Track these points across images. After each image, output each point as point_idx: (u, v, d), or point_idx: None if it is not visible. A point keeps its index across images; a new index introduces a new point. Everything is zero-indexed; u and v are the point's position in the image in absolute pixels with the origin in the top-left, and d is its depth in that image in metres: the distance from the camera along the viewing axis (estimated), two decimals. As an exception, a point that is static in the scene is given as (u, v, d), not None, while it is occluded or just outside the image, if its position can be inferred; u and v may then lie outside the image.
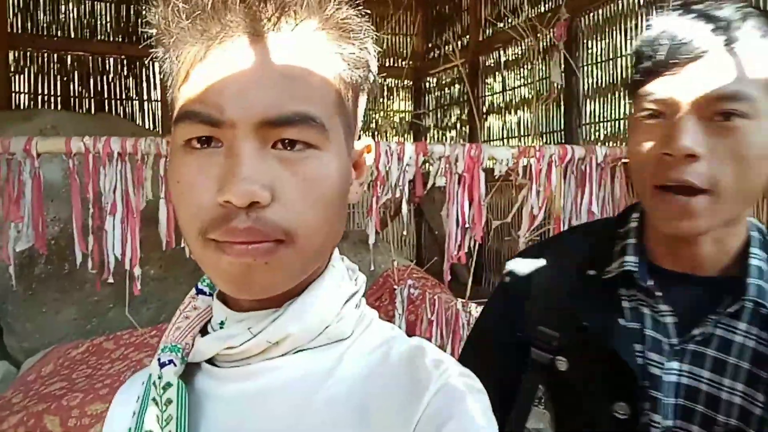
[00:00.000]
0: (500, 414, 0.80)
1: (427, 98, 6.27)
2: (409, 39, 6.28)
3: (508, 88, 4.85)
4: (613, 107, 3.66)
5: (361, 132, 0.56)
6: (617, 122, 3.62)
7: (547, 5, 4.17)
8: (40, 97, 5.16)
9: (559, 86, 3.56)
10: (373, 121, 6.01)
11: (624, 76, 3.53)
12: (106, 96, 5.35)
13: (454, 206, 2.25)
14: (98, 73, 5.32)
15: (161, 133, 5.05)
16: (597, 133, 3.80)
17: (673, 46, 0.67)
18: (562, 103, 3.94)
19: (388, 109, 6.33)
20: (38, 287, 3.36)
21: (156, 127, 5.42)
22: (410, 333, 0.55)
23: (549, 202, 2.34)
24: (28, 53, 5.12)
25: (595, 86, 3.77)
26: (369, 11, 0.50)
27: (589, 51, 3.79)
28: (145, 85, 5.46)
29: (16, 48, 5.03)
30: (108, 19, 5.31)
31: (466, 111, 5.44)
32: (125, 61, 5.38)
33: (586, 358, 0.76)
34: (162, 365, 0.50)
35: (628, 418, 0.71)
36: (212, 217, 0.44)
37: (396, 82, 6.27)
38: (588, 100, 3.82)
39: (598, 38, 3.71)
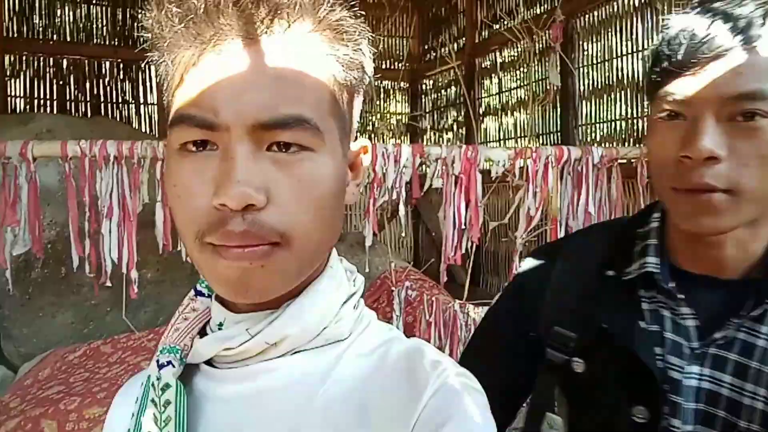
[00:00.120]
0: (501, 413, 0.80)
1: (423, 100, 6.27)
2: (405, 41, 6.29)
3: (504, 90, 4.86)
4: (609, 108, 3.67)
5: (358, 133, 0.56)
6: (613, 123, 3.63)
7: (542, 7, 4.18)
8: (36, 101, 5.15)
9: (556, 87, 3.56)
10: (370, 123, 6.02)
11: (620, 77, 3.54)
12: (102, 100, 5.34)
13: (450, 208, 2.25)
14: (94, 77, 5.31)
15: (157, 136, 5.05)
16: (593, 134, 3.81)
17: (692, 45, 0.65)
18: (558, 104, 3.94)
19: (385, 111, 6.34)
20: (35, 291, 3.35)
21: (152, 130, 5.41)
22: (408, 334, 0.55)
23: (546, 203, 2.34)
24: (24, 57, 5.11)
25: (591, 87, 3.78)
26: (365, 13, 0.50)
27: (585, 52, 3.80)
28: (141, 88, 5.45)
29: (11, 52, 5.02)
30: (104, 23, 5.31)
31: (462, 113, 5.45)
32: (121, 65, 5.38)
33: (604, 360, 0.74)
34: (161, 366, 0.50)
35: (646, 423, 0.70)
36: (208, 220, 0.44)
37: (392, 84, 6.28)
38: (584, 101, 3.82)
39: (594, 39, 3.72)
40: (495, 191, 2.67)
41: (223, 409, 0.49)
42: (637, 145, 2.66)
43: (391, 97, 6.40)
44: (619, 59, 3.52)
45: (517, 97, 4.70)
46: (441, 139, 5.89)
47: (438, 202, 2.36)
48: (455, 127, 5.73)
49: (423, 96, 6.28)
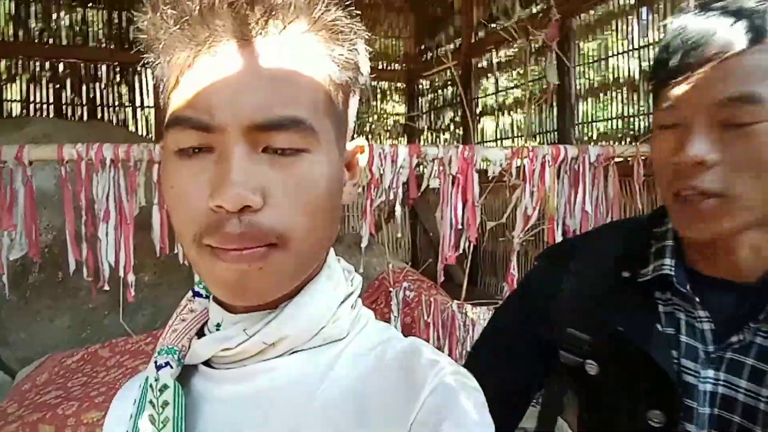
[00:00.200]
0: (506, 413, 0.79)
1: (420, 100, 6.28)
2: (401, 41, 6.30)
3: (501, 90, 4.86)
4: (605, 107, 3.67)
5: (355, 134, 0.56)
6: (610, 122, 3.63)
7: (538, 6, 4.19)
8: (32, 105, 5.15)
9: (553, 86, 3.57)
10: (367, 124, 6.02)
11: (616, 75, 3.55)
12: (98, 103, 5.34)
13: (448, 208, 2.25)
14: (90, 81, 5.31)
15: (154, 139, 5.05)
16: (590, 133, 3.81)
17: (685, 51, 0.66)
18: (555, 103, 3.95)
19: (382, 112, 6.34)
20: (32, 296, 3.34)
21: (149, 133, 5.41)
22: (407, 335, 0.55)
23: (543, 202, 2.35)
24: (20, 61, 5.10)
25: (587, 86, 3.79)
26: (361, 14, 0.50)
27: (582, 51, 3.80)
28: (137, 91, 5.45)
29: (7, 56, 5.02)
30: (100, 27, 5.30)
31: (459, 113, 5.45)
32: (117, 68, 5.37)
33: (620, 363, 0.73)
34: (159, 367, 0.50)
35: (662, 427, 0.69)
36: (206, 222, 0.44)
37: (389, 84, 6.28)
38: (580, 100, 3.83)
39: (590, 38, 3.73)
40: (492, 191, 2.67)
41: (221, 409, 0.49)
42: (634, 144, 2.66)
43: (388, 97, 6.41)
44: (616, 58, 3.53)
45: (514, 97, 4.71)
46: (438, 139, 5.90)
47: (435, 202, 2.36)
48: (452, 127, 5.74)
49: (420, 96, 6.29)
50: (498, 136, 4.94)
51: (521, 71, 4.44)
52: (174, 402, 0.48)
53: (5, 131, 3.53)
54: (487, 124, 5.10)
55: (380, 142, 5.49)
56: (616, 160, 2.42)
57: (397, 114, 6.41)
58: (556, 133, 4.04)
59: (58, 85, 5.22)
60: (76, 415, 2.26)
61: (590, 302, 0.77)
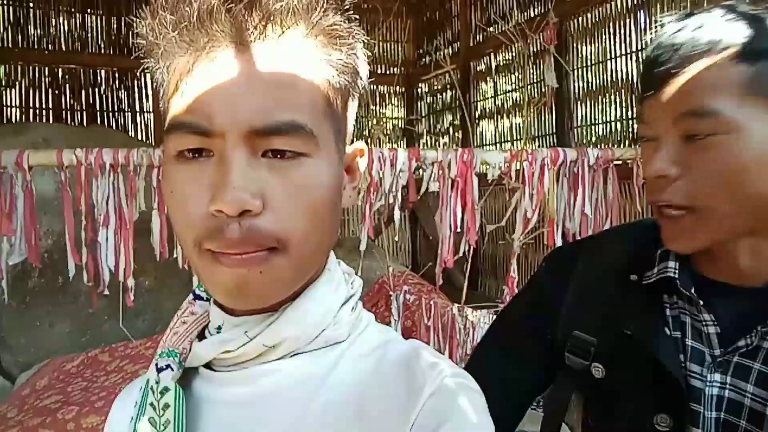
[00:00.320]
0: (507, 412, 0.79)
1: (419, 104, 6.29)
2: (400, 46, 6.31)
3: (499, 93, 4.87)
4: (604, 110, 3.68)
5: (354, 138, 0.56)
6: (609, 124, 3.64)
7: (536, 10, 4.21)
8: (31, 111, 5.15)
9: (553, 89, 3.58)
10: (366, 128, 6.03)
11: (614, 78, 3.56)
12: (98, 108, 5.34)
13: (447, 211, 2.25)
14: (90, 86, 5.32)
15: (154, 144, 5.05)
16: (589, 136, 3.82)
17: (654, 65, 0.68)
18: (553, 106, 3.96)
19: (381, 116, 6.35)
20: (32, 301, 3.34)
21: (149, 138, 5.41)
22: (407, 338, 0.55)
23: (542, 205, 2.35)
24: (19, 67, 5.11)
25: (585, 89, 3.80)
26: (360, 18, 0.51)
27: (580, 54, 3.81)
28: (137, 96, 5.45)
29: (7, 62, 5.02)
30: (99, 32, 5.31)
31: (458, 116, 5.46)
32: (117, 74, 5.38)
33: (626, 366, 0.73)
34: (159, 370, 0.50)
35: (669, 430, 0.69)
36: (206, 227, 0.44)
37: (388, 88, 6.29)
38: (579, 103, 3.84)
39: (588, 41, 3.74)
40: (492, 194, 2.67)
41: (221, 411, 0.49)
42: (633, 147, 2.67)
43: (387, 101, 6.41)
44: (613, 61, 3.54)
45: (513, 100, 4.72)
46: (437, 142, 5.90)
47: (435, 205, 2.36)
48: (451, 130, 5.75)
49: (419, 100, 6.30)
50: (497, 140, 4.95)
51: (520, 75, 4.45)
52: (175, 404, 0.48)
53: (5, 137, 3.54)
54: (486, 127, 5.11)
55: (379, 146, 5.49)
56: (615, 162, 2.42)
57: (396, 118, 6.42)
58: (554, 136, 4.04)
59: (57, 91, 5.22)
60: (76, 419, 2.26)
61: (597, 305, 0.77)
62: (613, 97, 3.58)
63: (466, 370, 0.51)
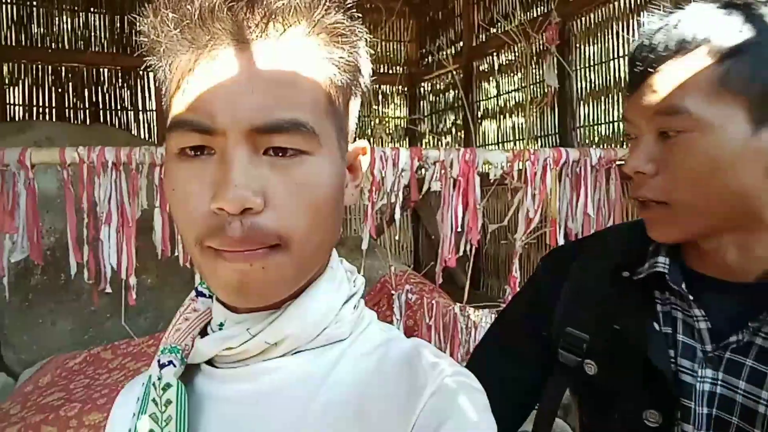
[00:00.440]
0: (508, 412, 0.79)
1: (422, 104, 6.29)
2: (402, 45, 6.31)
3: (502, 93, 4.87)
4: (607, 110, 3.68)
5: (356, 136, 0.57)
6: (611, 125, 3.63)
7: (539, 10, 4.20)
8: (34, 109, 5.16)
9: (553, 89, 3.57)
10: (369, 127, 6.03)
11: (617, 78, 3.55)
12: (101, 107, 5.35)
13: (448, 211, 2.25)
14: (93, 84, 5.32)
15: (156, 142, 5.06)
16: (591, 136, 3.81)
17: (632, 67, 0.70)
18: (556, 106, 3.95)
19: (383, 115, 6.35)
20: (35, 298, 3.35)
21: (151, 137, 5.42)
22: (409, 337, 0.55)
23: (545, 205, 2.35)
24: (23, 65, 5.12)
25: (588, 89, 3.79)
26: (363, 18, 0.51)
27: (582, 54, 3.81)
28: (139, 95, 5.46)
29: (10, 60, 5.03)
30: (102, 31, 5.32)
31: (460, 116, 5.46)
32: (120, 72, 5.39)
33: (617, 362, 0.73)
34: (162, 366, 0.50)
35: (659, 427, 0.69)
36: (208, 224, 0.44)
37: (391, 88, 6.29)
38: (582, 103, 3.83)
39: (591, 42, 3.73)
40: (494, 194, 2.67)
41: (223, 408, 0.50)
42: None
43: (390, 101, 6.42)
44: (616, 61, 3.53)
45: (515, 100, 4.72)
46: (440, 142, 5.90)
47: (437, 205, 2.36)
48: (454, 130, 5.74)
49: (421, 100, 6.30)
50: (499, 139, 4.95)
51: (522, 74, 4.45)
52: (177, 400, 0.48)
53: (8, 135, 3.55)
54: (489, 127, 5.11)
55: (382, 146, 5.49)
56: (618, 162, 2.42)
57: (398, 117, 6.42)
58: (557, 136, 4.04)
59: (60, 89, 5.23)
60: (78, 416, 2.27)
61: (590, 302, 0.77)
62: (615, 98, 3.58)
63: (466, 369, 0.51)
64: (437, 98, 6.02)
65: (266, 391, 0.49)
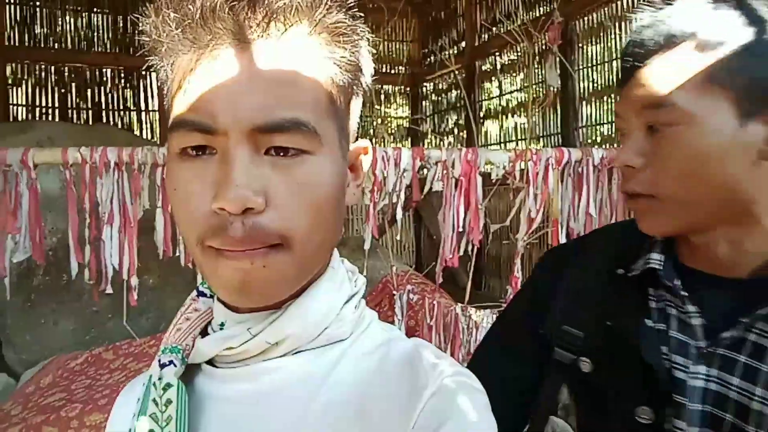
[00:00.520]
0: (510, 412, 0.79)
1: (424, 104, 6.29)
2: (405, 45, 6.32)
3: (504, 93, 4.87)
4: (609, 110, 3.67)
5: (358, 136, 0.56)
6: (613, 125, 3.63)
7: (541, 9, 4.20)
8: (37, 109, 5.18)
9: (555, 89, 3.57)
10: (371, 127, 6.03)
11: (620, 78, 3.55)
12: (103, 107, 5.36)
13: (450, 211, 2.25)
14: (96, 85, 5.34)
15: (159, 142, 5.07)
16: (594, 136, 3.81)
17: (624, 63, 0.71)
18: (558, 106, 3.95)
19: (386, 115, 6.35)
20: (36, 298, 3.35)
21: (154, 137, 5.43)
22: (410, 338, 0.54)
23: (546, 205, 2.34)
24: (26, 65, 5.14)
25: (591, 89, 3.79)
26: (365, 18, 0.50)
27: (585, 54, 3.80)
28: (142, 95, 5.47)
29: (13, 60, 5.05)
30: (105, 31, 5.33)
31: (463, 116, 5.46)
32: (122, 72, 5.40)
33: (611, 359, 0.73)
34: (162, 366, 0.50)
35: (651, 423, 0.68)
36: (209, 224, 0.44)
37: (393, 88, 6.29)
38: (584, 103, 3.83)
39: (594, 41, 3.73)
40: (496, 194, 2.67)
41: (224, 408, 0.49)
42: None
43: (392, 101, 6.42)
44: (619, 60, 3.52)
45: (518, 100, 4.71)
46: (442, 142, 5.90)
47: (439, 205, 2.36)
48: (456, 130, 5.74)
49: (424, 99, 6.30)
50: (502, 139, 4.94)
51: (525, 74, 4.45)
52: (177, 400, 0.48)
53: (11, 135, 3.55)
54: (491, 127, 5.10)
55: (384, 146, 5.50)
56: (620, 162, 2.41)
57: (400, 117, 6.42)
58: (559, 136, 4.04)
59: (63, 89, 5.24)
60: (80, 417, 2.27)
61: (585, 299, 0.77)
62: (618, 97, 3.57)
63: (468, 369, 0.51)
64: (440, 98, 6.03)
65: (267, 391, 0.49)
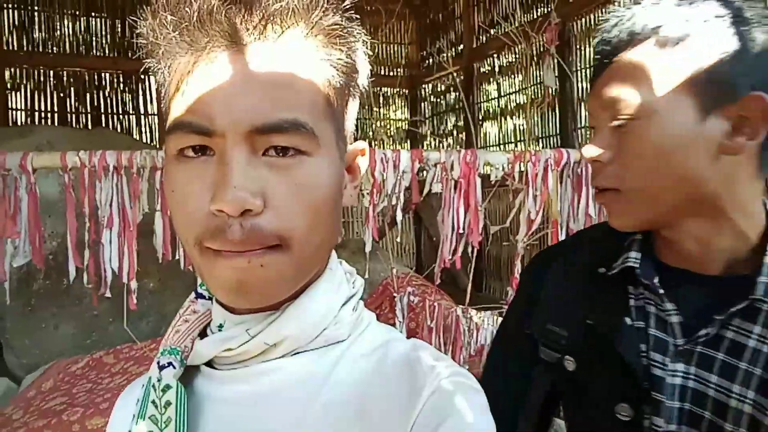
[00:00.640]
0: (507, 410, 0.80)
1: (422, 106, 6.30)
2: (403, 48, 6.33)
3: (503, 94, 4.87)
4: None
5: (357, 138, 0.57)
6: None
7: (539, 11, 4.21)
8: (36, 114, 5.18)
9: (553, 90, 3.57)
10: (370, 129, 6.04)
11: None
12: (102, 111, 5.37)
13: (449, 212, 2.25)
14: (94, 89, 5.35)
15: (158, 146, 5.07)
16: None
17: (594, 59, 0.74)
18: (557, 107, 3.96)
19: (385, 118, 6.35)
20: (37, 303, 3.35)
21: (153, 140, 5.44)
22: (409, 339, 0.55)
23: (546, 206, 2.34)
24: (25, 70, 5.14)
25: (589, 90, 3.79)
26: (363, 20, 0.51)
27: (583, 55, 3.81)
28: (141, 99, 5.48)
29: (12, 65, 5.05)
30: (103, 35, 5.34)
31: (462, 118, 5.47)
32: (121, 76, 5.41)
33: (592, 357, 0.74)
34: (161, 368, 0.50)
35: (630, 420, 0.69)
36: (207, 226, 0.44)
37: (392, 90, 6.30)
38: (582, 104, 3.83)
39: (591, 42, 3.74)
40: (495, 195, 2.67)
41: (223, 410, 0.50)
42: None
43: (391, 103, 6.43)
44: (617, 62, 3.53)
45: (516, 102, 4.72)
46: (441, 144, 5.91)
47: (439, 207, 2.36)
48: (455, 132, 5.75)
49: (422, 102, 6.31)
50: (501, 141, 4.95)
51: (523, 76, 4.45)
52: (176, 402, 0.48)
53: (10, 139, 3.55)
54: (490, 128, 5.11)
55: (383, 148, 5.51)
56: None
57: (399, 120, 6.43)
58: (558, 137, 4.04)
59: (62, 94, 5.25)
60: (81, 421, 2.27)
61: (568, 298, 0.78)
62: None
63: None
64: (438, 100, 6.03)
65: (265, 392, 0.49)
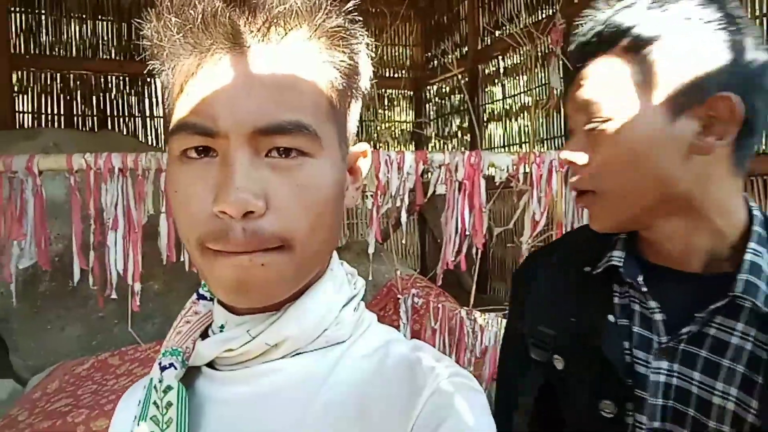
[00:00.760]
0: (525, 413, 0.80)
1: (427, 107, 6.30)
2: (408, 49, 6.33)
3: (507, 96, 4.87)
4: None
5: (360, 140, 0.57)
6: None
7: (543, 12, 4.20)
8: (43, 116, 5.22)
9: (558, 91, 3.57)
10: (375, 131, 6.04)
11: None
12: (108, 114, 5.40)
13: (453, 214, 2.25)
14: (101, 92, 5.38)
15: (164, 148, 5.09)
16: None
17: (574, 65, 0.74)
18: (561, 109, 3.95)
19: (389, 119, 6.36)
20: (43, 304, 3.37)
21: (158, 143, 5.46)
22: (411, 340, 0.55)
23: (550, 207, 2.34)
24: (31, 73, 5.18)
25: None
26: (367, 23, 0.51)
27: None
28: (147, 102, 5.51)
29: (19, 68, 5.09)
30: (110, 38, 5.37)
31: (466, 119, 5.47)
32: (127, 79, 5.44)
33: (578, 355, 0.75)
34: (163, 369, 0.50)
35: (614, 417, 0.70)
36: (209, 227, 0.44)
37: (396, 92, 6.31)
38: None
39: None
40: (499, 197, 2.66)
41: (224, 410, 0.50)
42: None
43: (395, 105, 6.43)
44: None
45: (521, 103, 4.72)
46: (446, 146, 5.91)
47: (443, 208, 2.36)
48: (459, 133, 5.75)
49: (427, 103, 6.31)
50: (505, 142, 4.94)
51: (528, 77, 4.45)
52: (177, 403, 0.49)
53: (16, 142, 3.58)
54: (495, 130, 5.11)
55: (387, 150, 5.51)
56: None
57: (404, 121, 6.43)
58: (563, 138, 4.03)
59: (68, 97, 5.28)
60: (86, 422, 2.27)
61: (556, 298, 0.79)
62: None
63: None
64: (443, 102, 6.04)
65: (266, 392, 0.49)
